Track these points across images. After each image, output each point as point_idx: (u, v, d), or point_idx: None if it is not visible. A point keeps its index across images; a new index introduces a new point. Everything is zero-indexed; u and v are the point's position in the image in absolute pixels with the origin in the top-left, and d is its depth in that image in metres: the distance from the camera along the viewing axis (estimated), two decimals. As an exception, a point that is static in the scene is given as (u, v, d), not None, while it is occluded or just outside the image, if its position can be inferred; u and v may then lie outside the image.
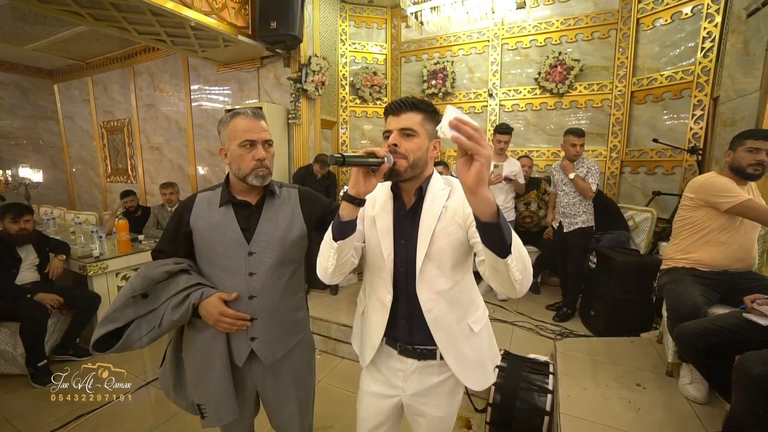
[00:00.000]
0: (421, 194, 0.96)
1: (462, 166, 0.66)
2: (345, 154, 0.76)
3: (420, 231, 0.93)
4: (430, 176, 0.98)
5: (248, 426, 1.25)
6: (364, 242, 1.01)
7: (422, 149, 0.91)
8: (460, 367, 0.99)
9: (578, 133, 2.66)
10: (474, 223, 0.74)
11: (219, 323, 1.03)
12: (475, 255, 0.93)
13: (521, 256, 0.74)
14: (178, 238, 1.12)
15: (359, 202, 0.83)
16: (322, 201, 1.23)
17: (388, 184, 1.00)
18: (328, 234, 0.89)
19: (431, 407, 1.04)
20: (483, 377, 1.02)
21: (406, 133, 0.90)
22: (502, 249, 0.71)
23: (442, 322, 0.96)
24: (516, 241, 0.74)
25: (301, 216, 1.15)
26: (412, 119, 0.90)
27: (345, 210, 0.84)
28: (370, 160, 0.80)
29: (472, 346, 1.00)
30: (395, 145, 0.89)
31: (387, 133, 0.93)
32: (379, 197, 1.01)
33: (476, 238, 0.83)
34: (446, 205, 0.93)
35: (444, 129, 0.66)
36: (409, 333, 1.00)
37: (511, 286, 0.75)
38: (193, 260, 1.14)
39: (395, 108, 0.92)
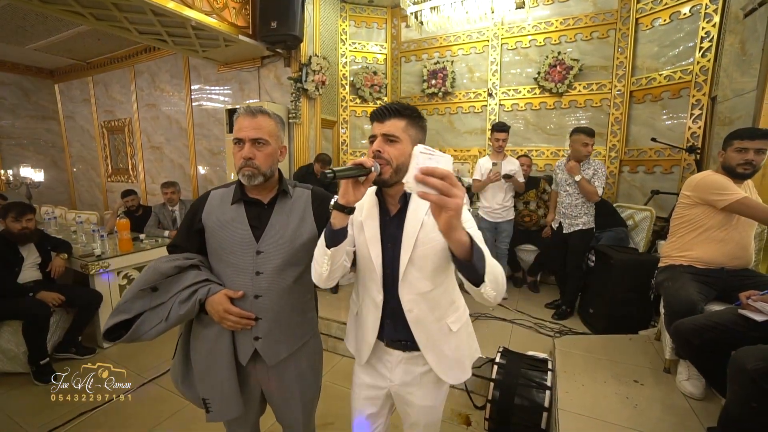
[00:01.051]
0: (405, 201, 0.98)
1: (434, 210, 0.67)
2: (335, 169, 0.79)
3: (404, 237, 0.96)
4: None
5: (252, 424, 1.25)
6: (355, 246, 1.03)
7: (405, 154, 0.92)
8: (438, 363, 1.02)
9: (590, 132, 2.56)
10: None
11: (224, 320, 1.04)
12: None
13: (494, 278, 0.78)
14: (192, 234, 1.13)
15: (349, 210, 0.86)
16: None
17: (373, 189, 1.02)
18: (321, 241, 0.91)
19: (418, 397, 1.07)
20: (460, 372, 1.06)
21: (390, 138, 0.92)
22: (476, 280, 0.76)
23: (422, 321, 1.00)
24: (489, 264, 0.76)
25: (312, 217, 1.14)
26: (395, 125, 0.92)
27: (336, 219, 0.87)
28: (358, 171, 0.83)
29: (450, 344, 1.03)
30: (379, 150, 0.91)
31: (372, 138, 0.95)
32: (366, 203, 1.02)
33: None
34: (429, 212, 0.95)
35: (410, 184, 0.63)
36: (394, 330, 1.03)
37: (485, 301, 0.81)
38: (206, 256, 1.15)
39: (379, 114, 0.94)
